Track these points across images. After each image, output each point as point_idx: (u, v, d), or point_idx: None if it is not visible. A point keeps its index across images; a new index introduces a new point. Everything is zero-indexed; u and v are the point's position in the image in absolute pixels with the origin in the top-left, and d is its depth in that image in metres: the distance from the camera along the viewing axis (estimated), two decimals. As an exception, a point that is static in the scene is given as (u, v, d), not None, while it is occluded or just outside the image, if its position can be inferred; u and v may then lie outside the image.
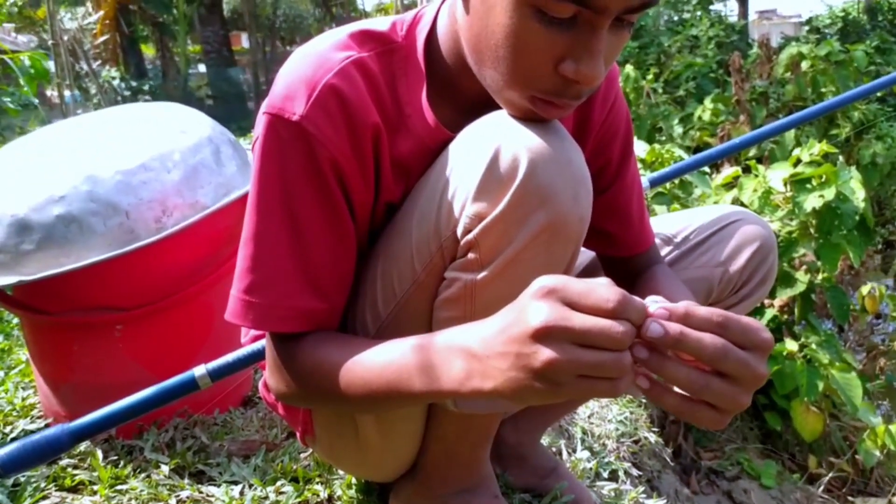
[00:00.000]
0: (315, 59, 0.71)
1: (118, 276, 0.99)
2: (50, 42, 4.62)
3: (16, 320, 1.74)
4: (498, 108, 0.71)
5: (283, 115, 0.69)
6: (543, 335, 0.52)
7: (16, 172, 1.03)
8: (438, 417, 0.83)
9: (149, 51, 13.91)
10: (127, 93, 7.60)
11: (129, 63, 10.32)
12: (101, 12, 7.07)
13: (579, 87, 0.65)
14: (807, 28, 12.16)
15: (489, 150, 0.65)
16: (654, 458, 1.36)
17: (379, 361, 0.67)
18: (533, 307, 0.54)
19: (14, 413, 1.19)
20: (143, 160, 0.99)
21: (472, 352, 0.59)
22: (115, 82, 7.42)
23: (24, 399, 1.24)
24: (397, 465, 0.90)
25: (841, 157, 2.66)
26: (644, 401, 1.54)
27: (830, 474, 2.44)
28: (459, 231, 0.68)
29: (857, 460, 2.50)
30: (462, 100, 0.76)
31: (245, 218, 0.72)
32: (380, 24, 0.76)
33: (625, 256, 0.92)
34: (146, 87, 7.93)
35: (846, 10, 12.77)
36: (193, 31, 12.37)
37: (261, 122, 0.71)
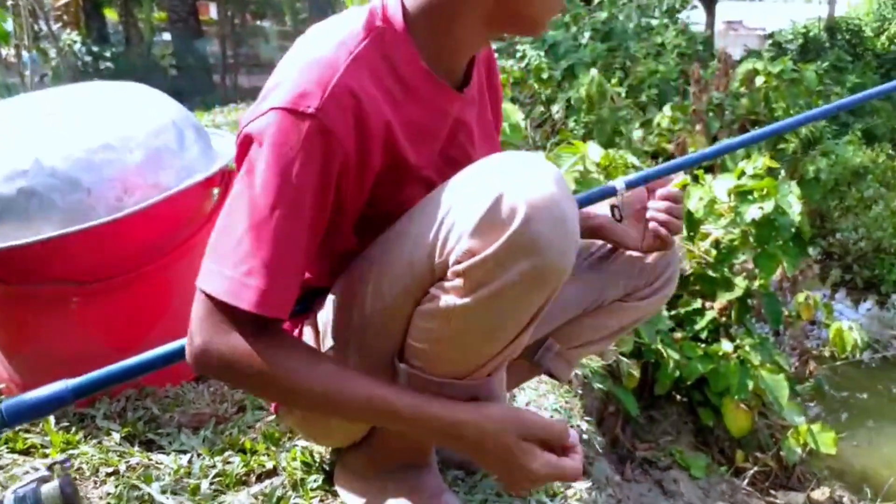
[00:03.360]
0: (320, 59, 0.77)
1: (76, 250, 1.02)
2: (9, 1, 4.50)
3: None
4: (482, 43, 0.88)
5: (298, 110, 0.74)
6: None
7: (-18, 144, 1.04)
8: None
9: (112, 15, 13.47)
10: (88, 58, 7.28)
11: (91, 27, 9.93)
12: (64, -27, 6.87)
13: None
14: (769, 42, 12.44)
15: (492, 195, 0.72)
16: (586, 446, 1.43)
17: (362, 388, 0.77)
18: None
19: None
20: (106, 140, 1.02)
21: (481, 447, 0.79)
22: (77, 46, 7.11)
23: (-21, 367, 1.26)
24: (353, 434, 0.97)
25: (783, 172, 2.77)
26: (580, 391, 1.61)
27: (755, 468, 2.56)
28: (451, 260, 0.75)
29: (781, 456, 2.62)
30: (450, 56, 0.86)
31: (239, 202, 0.76)
32: (358, 15, 0.83)
33: None
34: (108, 54, 7.58)
35: (807, 28, 13.09)
36: None
37: (270, 117, 0.75)
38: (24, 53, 4.70)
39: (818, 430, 2.53)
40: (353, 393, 0.77)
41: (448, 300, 0.76)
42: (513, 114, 2.95)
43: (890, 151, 4.53)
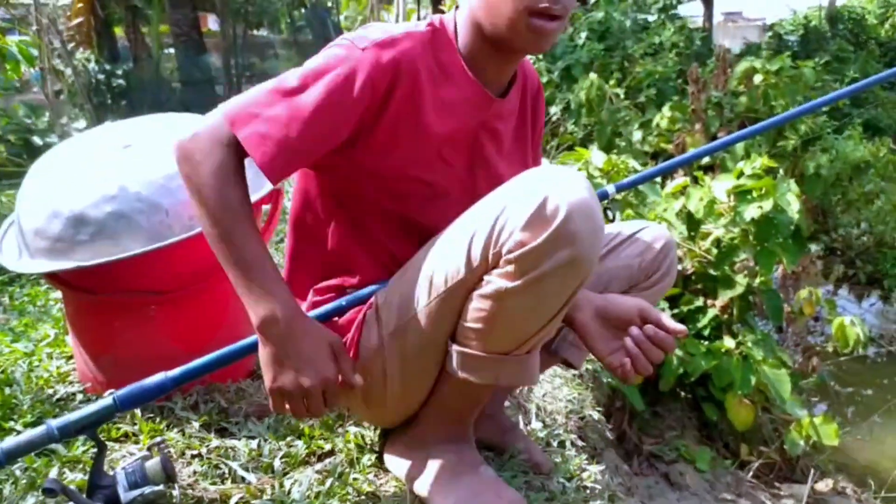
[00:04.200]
0: (385, 27, 1.09)
1: (155, 264, 1.22)
2: (30, 20, 4.74)
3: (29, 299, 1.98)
4: (503, 60, 1.12)
5: (357, 45, 1.04)
6: (302, 388, 1.01)
7: (72, 172, 1.25)
8: (444, 380, 1.12)
9: (121, 32, 13.82)
10: (101, 76, 7.75)
11: (102, 46, 10.34)
12: (78, -6, 7.22)
13: None
14: (769, 34, 12.72)
15: (540, 196, 0.94)
16: (596, 434, 1.65)
17: (251, 248, 1.00)
18: (312, 363, 1.01)
19: (52, 379, 1.42)
20: (180, 167, 1.23)
21: (271, 324, 0.99)
22: (91, 65, 7.56)
23: (58, 368, 1.47)
24: (406, 411, 1.19)
25: (781, 171, 2.99)
26: (591, 384, 1.83)
27: (759, 461, 2.76)
28: (504, 250, 0.96)
29: (785, 449, 2.82)
30: (484, 66, 1.12)
31: (283, 77, 1.04)
32: (421, 22, 1.14)
33: None
34: (119, 72, 8.08)
35: (808, 18, 13.39)
36: (163, 14, 12.33)
37: (336, 41, 1.07)
38: (31, 70, 4.92)
39: (820, 423, 2.71)
40: (239, 243, 1.00)
41: (501, 283, 0.97)
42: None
43: (891, 145, 4.76)
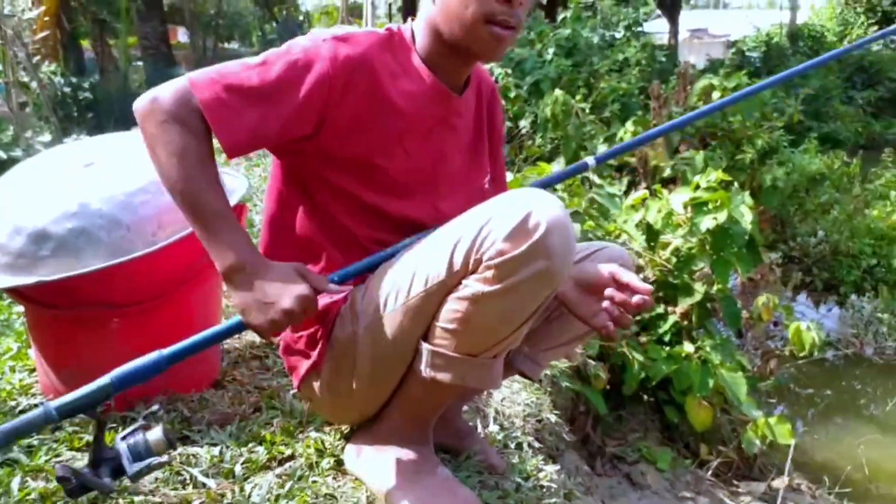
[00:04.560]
0: (348, 27, 1.19)
1: (117, 279, 1.24)
2: None
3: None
4: (460, 63, 1.19)
5: (320, 37, 1.11)
6: (285, 312, 1.01)
7: (34, 189, 1.26)
8: (409, 380, 1.16)
9: (88, 46, 13.76)
10: (67, 89, 7.67)
11: (68, 59, 10.29)
12: (43, 7, 7.10)
13: (511, 7, 1.10)
14: (732, 51, 12.97)
15: (523, 212, 1.01)
16: (553, 436, 1.68)
17: (212, 201, 1.03)
18: (297, 287, 1.03)
19: (15, 392, 1.42)
20: (142, 184, 1.25)
21: (238, 268, 1.03)
22: (56, 78, 7.49)
23: (21, 380, 1.47)
24: (368, 409, 1.23)
25: (736, 184, 3.07)
26: (549, 389, 1.86)
27: (718, 460, 2.81)
28: (486, 256, 1.02)
29: (742, 449, 2.88)
30: (439, 65, 1.18)
31: (256, 59, 1.09)
32: (379, 29, 1.21)
33: None
34: (85, 85, 8.01)
35: (769, 35, 13.67)
36: (132, 26, 12.30)
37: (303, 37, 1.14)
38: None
39: (775, 423, 2.77)
40: (200, 197, 1.03)
41: (479, 287, 1.03)
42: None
43: (845, 158, 4.87)
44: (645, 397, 3.04)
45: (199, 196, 1.02)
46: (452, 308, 1.07)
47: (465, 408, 1.52)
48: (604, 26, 7.95)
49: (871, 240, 4.51)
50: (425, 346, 1.11)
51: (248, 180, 3.89)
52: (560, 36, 6.73)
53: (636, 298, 1.15)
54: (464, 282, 1.05)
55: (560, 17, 8.26)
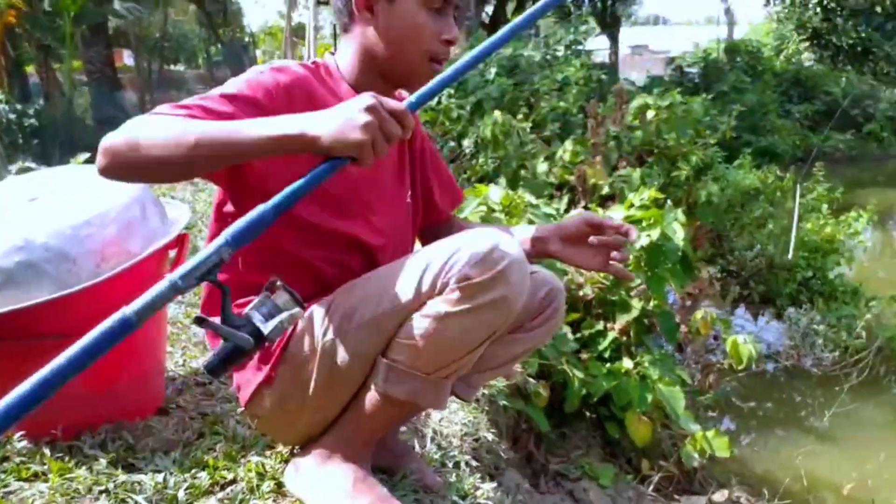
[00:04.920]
0: (284, 60, 1.32)
1: (64, 309, 1.29)
2: None
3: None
4: (387, 88, 1.31)
5: (259, 68, 1.25)
6: (369, 108, 1.03)
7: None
8: (361, 398, 1.25)
9: (33, 71, 13.57)
10: (12, 115, 7.64)
11: (13, 85, 10.21)
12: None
13: (450, 47, 1.27)
14: (671, 67, 13.49)
15: (489, 245, 1.16)
16: (491, 455, 1.79)
17: (218, 124, 1.08)
18: (363, 98, 1.05)
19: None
20: (87, 217, 1.33)
21: (310, 117, 1.06)
22: (1, 106, 7.45)
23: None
24: (315, 427, 1.31)
25: (669, 202, 3.25)
26: (486, 408, 1.98)
27: (658, 475, 2.94)
28: (452, 280, 1.15)
29: (683, 462, 3.03)
30: (366, 90, 1.21)
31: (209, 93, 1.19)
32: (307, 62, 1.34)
33: (444, 220, 1.57)
34: (31, 111, 8.01)
35: (707, 51, 14.27)
36: (76, 51, 12.20)
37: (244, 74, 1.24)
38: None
39: (713, 437, 2.92)
40: (213, 132, 1.07)
41: (443, 307, 1.16)
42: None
43: (778, 173, 5.16)
44: (587, 414, 3.16)
45: (214, 135, 1.05)
46: (415, 325, 1.18)
47: (402, 428, 1.61)
48: (545, 45, 8.23)
49: (805, 252, 4.79)
50: (383, 361, 1.21)
51: (192, 206, 3.93)
52: (502, 55, 6.94)
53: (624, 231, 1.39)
54: (429, 302, 1.17)
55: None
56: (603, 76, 8.38)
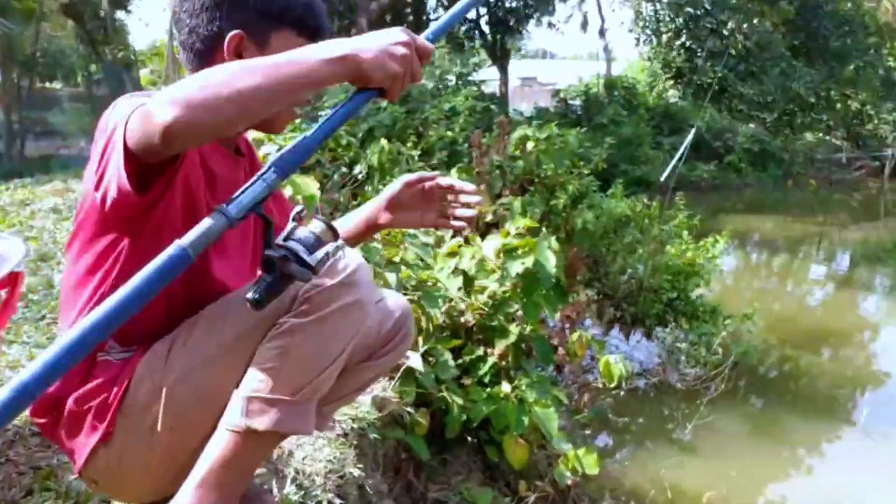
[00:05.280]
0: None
1: None
2: None
3: None
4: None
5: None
6: (405, 43, 1.00)
7: None
8: (220, 438, 1.11)
9: None
10: None
11: None
12: None
13: None
14: (556, 99, 13.93)
15: (346, 266, 1.10)
16: (359, 491, 1.71)
17: (273, 57, 0.98)
18: (397, 31, 1.01)
19: None
20: None
21: (351, 42, 0.98)
22: None
23: None
24: (169, 478, 1.16)
25: (544, 230, 3.29)
26: (354, 441, 1.89)
27: (535, 496, 2.95)
28: (301, 290, 1.09)
29: (557, 482, 3.05)
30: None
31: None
32: None
33: None
34: None
35: (588, 85, 14.85)
36: None
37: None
38: None
39: (583, 455, 2.97)
40: (262, 68, 0.96)
41: (295, 321, 1.10)
42: (306, 186, 3.23)
43: (646, 201, 5.36)
44: (469, 439, 3.14)
45: (278, 64, 0.96)
46: (269, 346, 1.10)
47: (260, 469, 1.50)
48: (438, 75, 8.29)
49: (669, 275, 4.98)
50: (240, 394, 1.10)
51: (52, 236, 3.64)
52: (394, 83, 6.92)
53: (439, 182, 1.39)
54: (280, 320, 1.10)
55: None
56: (493, 106, 8.51)
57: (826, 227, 11.65)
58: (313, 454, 1.68)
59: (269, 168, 0.94)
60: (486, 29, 14.69)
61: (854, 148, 15.64)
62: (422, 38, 1.04)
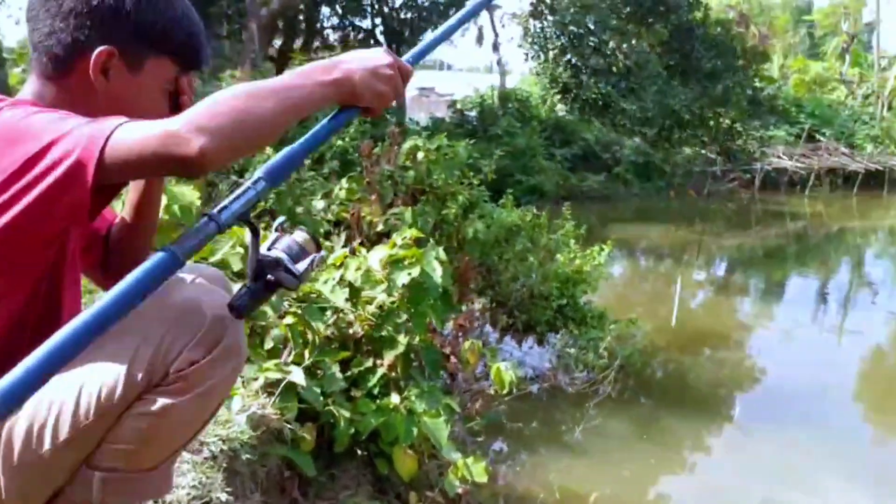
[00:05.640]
0: None
1: None
2: None
3: None
4: None
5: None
6: (391, 65, 1.03)
7: None
8: None
9: None
10: None
11: None
12: None
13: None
14: (451, 110, 14.08)
15: (201, 316, 1.00)
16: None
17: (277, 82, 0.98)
18: (381, 53, 1.04)
19: None
20: None
21: (342, 64, 1.00)
22: None
23: None
24: None
25: (432, 240, 3.28)
26: (224, 464, 1.79)
27: (425, 507, 2.93)
28: (173, 368, 0.97)
29: (447, 491, 3.03)
30: None
31: None
32: None
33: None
34: None
35: (483, 97, 15.11)
36: None
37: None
38: None
39: (472, 463, 2.97)
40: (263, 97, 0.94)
41: (167, 400, 0.98)
42: (183, 196, 3.08)
43: (535, 211, 5.48)
44: (358, 452, 3.08)
45: (287, 85, 0.97)
46: (132, 426, 0.98)
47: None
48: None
49: (558, 283, 5.10)
50: (96, 476, 0.99)
51: None
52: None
53: None
54: (146, 396, 0.98)
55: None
56: (388, 116, 8.48)
57: (704, 236, 12.34)
58: (178, 480, 1.57)
59: (259, 177, 0.93)
60: (381, 38, 14.69)
61: (727, 161, 16.68)
62: (402, 61, 1.08)
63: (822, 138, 18.96)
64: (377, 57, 1.03)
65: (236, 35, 14.38)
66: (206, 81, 9.74)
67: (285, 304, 2.60)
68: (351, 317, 3.18)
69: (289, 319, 2.59)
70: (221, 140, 0.88)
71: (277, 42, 14.82)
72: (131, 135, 0.88)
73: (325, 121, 1.03)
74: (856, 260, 12.32)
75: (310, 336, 2.73)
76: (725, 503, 3.93)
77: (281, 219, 1.04)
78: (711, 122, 15.75)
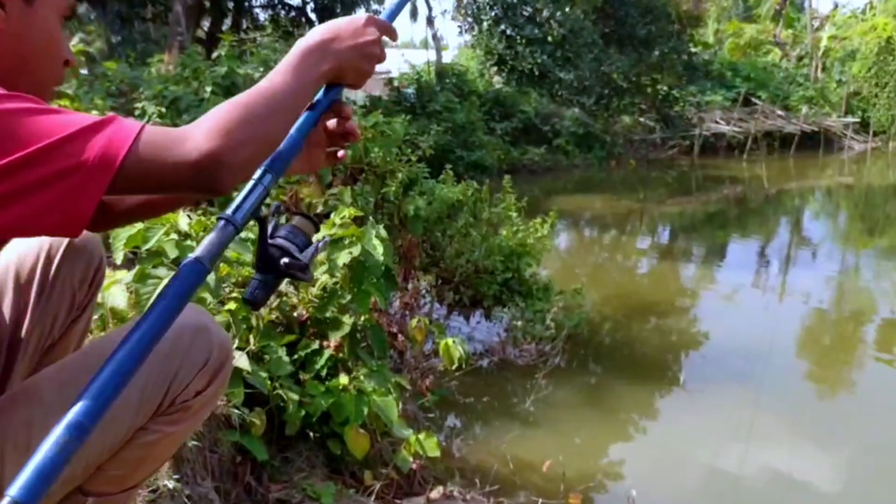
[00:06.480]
0: None
1: None
2: None
3: None
4: None
5: None
6: (375, 42, 1.03)
7: None
8: None
9: None
10: None
11: None
12: None
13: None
14: (388, 88, 14.04)
15: (213, 345, 1.06)
16: (174, 501, 1.66)
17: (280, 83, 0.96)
18: (367, 28, 1.03)
19: None
20: None
21: (332, 46, 1.00)
22: None
23: None
24: None
25: (372, 219, 3.33)
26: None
27: (380, 483, 3.00)
28: (179, 399, 1.02)
29: (400, 468, 3.12)
30: None
31: None
32: None
33: None
34: None
35: (419, 73, 15.10)
36: None
37: None
38: None
39: (424, 439, 3.07)
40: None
41: (167, 429, 1.04)
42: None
43: (475, 186, 5.56)
44: (311, 434, 3.13)
45: (286, 83, 0.95)
46: (130, 456, 1.03)
47: None
48: (263, 63, 8.06)
49: (502, 257, 5.22)
50: (89, 501, 1.05)
51: None
52: (216, 73, 6.67)
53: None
54: (148, 425, 1.03)
55: (215, 55, 8.15)
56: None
57: (647, 203, 12.68)
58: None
59: (264, 171, 0.93)
60: (312, 17, 14.49)
61: (665, 129, 17.11)
62: (385, 21, 1.09)
63: (758, 101, 19.61)
64: (365, 33, 1.02)
65: (162, 18, 13.96)
66: (133, 66, 9.48)
67: (225, 288, 2.63)
68: (294, 300, 3.21)
69: (231, 305, 2.62)
70: (248, 148, 0.88)
71: (206, 24, 14.45)
72: (160, 145, 0.89)
73: (315, 101, 1.03)
74: (794, 221, 12.87)
75: (254, 321, 2.76)
76: (676, 463, 4.13)
77: (276, 204, 1.06)
78: (649, 89, 16.12)
